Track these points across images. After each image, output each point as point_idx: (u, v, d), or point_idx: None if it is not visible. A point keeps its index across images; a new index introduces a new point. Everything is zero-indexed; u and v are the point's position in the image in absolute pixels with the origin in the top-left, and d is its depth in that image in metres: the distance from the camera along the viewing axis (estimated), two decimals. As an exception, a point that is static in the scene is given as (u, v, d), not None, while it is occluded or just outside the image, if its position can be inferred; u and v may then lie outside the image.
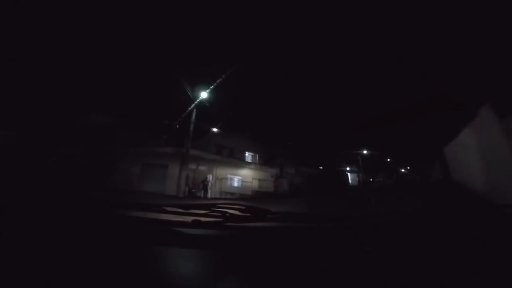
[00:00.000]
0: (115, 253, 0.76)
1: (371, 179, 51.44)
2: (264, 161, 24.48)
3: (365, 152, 47.43)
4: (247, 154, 24.10)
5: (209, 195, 17.30)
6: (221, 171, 19.66)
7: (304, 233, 0.96)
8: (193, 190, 17.44)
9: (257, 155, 24.74)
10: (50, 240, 0.81)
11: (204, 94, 17.14)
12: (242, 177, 21.12)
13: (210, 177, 18.68)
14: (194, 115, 17.16)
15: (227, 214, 1.04)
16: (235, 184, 20.96)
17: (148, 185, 17.00)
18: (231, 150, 22.16)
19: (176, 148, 17.22)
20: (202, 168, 18.91)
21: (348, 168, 47.83)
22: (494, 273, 0.66)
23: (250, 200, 15.49)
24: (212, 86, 17.05)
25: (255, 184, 21.38)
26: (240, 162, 21.53)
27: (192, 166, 17.83)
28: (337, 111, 50.54)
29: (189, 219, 0.99)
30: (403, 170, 53.67)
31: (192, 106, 17.25)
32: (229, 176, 20.39)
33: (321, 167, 34.92)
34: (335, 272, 0.68)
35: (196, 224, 0.97)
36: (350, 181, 46.70)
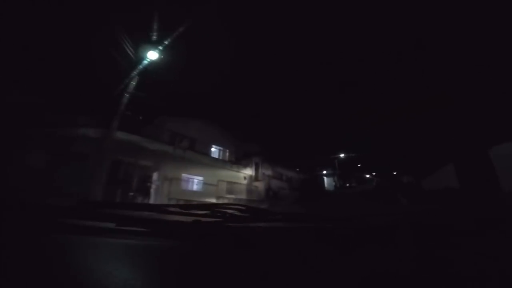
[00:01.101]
0: (115, 253, 0.75)
1: (347, 184, 49.15)
2: (236, 159, 18.95)
3: (342, 155, 44.57)
4: (214, 148, 18.40)
5: (152, 200, 12.16)
6: (173, 169, 13.75)
7: (304, 233, 0.96)
8: (131, 194, 11.79)
9: (227, 151, 19.16)
10: (50, 240, 0.81)
11: (153, 55, 11.22)
12: (205, 178, 15.40)
13: (155, 176, 12.88)
14: (133, 82, 11.17)
15: (228, 215, 1.05)
16: (194, 187, 15.17)
17: (60, 184, 10.52)
18: (192, 142, 16.35)
19: (100, 130, 11.09)
20: (146, 163, 12.98)
21: (324, 172, 44.23)
22: (493, 273, 0.67)
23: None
24: (168, 45, 11.20)
25: (223, 187, 15.78)
26: (202, 158, 15.69)
27: (130, 158, 11.93)
28: (320, 111, 46.92)
29: (189, 219, 0.98)
30: (368, 176, 52.66)
31: (134, 70, 11.26)
32: (184, 176, 14.55)
33: (298, 169, 30.21)
34: (335, 272, 0.68)
35: (196, 224, 0.96)
36: (326, 186, 43.22)
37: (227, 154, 19.08)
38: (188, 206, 1.13)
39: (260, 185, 18.17)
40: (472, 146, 11.97)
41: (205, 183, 15.26)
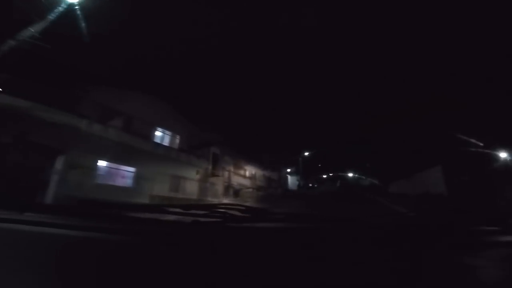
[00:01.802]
0: (115, 253, 0.75)
1: (310, 184, 47.84)
2: (189, 148, 14.79)
3: (306, 154, 42.76)
4: (159, 132, 14.07)
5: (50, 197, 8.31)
6: (87, 154, 9.29)
7: (304, 233, 0.95)
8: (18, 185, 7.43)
9: (178, 137, 14.92)
10: (50, 241, 0.81)
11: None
12: (138, 169, 11.09)
13: (60, 163, 8.64)
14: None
15: (227, 215, 1.04)
16: (120, 181, 10.79)
17: None
18: (128, 120, 11.93)
19: None
20: (47, 142, 8.54)
21: (288, 170, 41.89)
22: (493, 272, 0.68)
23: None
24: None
25: (165, 183, 11.64)
26: (135, 141, 11.32)
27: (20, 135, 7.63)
28: (290, 106, 44.35)
29: (189, 219, 0.98)
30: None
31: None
32: (104, 164, 10.11)
33: (263, 166, 26.97)
34: (335, 272, 0.67)
35: (196, 224, 0.96)
36: (289, 185, 40.99)
37: (177, 140, 14.85)
38: (188, 206, 1.14)
39: (218, 182, 14.35)
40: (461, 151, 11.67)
41: (139, 177, 10.98)
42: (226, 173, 15.79)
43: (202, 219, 0.98)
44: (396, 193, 16.46)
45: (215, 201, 12.74)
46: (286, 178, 41.30)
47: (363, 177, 44.41)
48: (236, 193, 14.66)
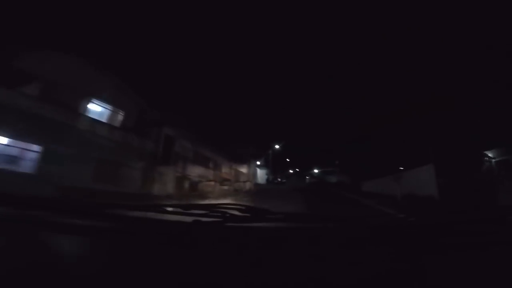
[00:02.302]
0: (115, 253, 0.74)
1: (278, 179, 46.23)
2: (135, 127, 11.47)
3: (277, 146, 40.80)
4: (94, 104, 10.53)
5: None
6: None
7: (304, 233, 0.95)
8: None
9: (121, 113, 11.49)
10: (50, 241, 0.80)
11: None
12: (47, 147, 7.72)
13: None
14: None
15: (227, 214, 1.02)
16: (16, 164, 7.37)
17: None
18: (46, 85, 8.43)
19: None
20: None
21: (258, 163, 39.60)
22: (491, 273, 0.67)
23: None
24: None
25: (88, 169, 8.35)
26: (48, 110, 7.88)
27: None
28: (261, 92, 41.61)
29: (189, 219, 0.97)
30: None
31: None
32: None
33: (229, 156, 24.11)
34: (335, 272, 0.67)
35: (196, 224, 0.95)
36: (258, 179, 38.83)
37: (120, 117, 11.44)
38: (188, 206, 1.13)
39: (169, 172, 11.28)
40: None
41: (44, 160, 7.59)
42: (182, 162, 12.71)
43: (202, 219, 0.97)
44: (379, 193, 14.91)
45: (163, 195, 9.76)
46: (256, 171, 39.00)
47: (333, 175, 43.69)
48: (193, 186, 11.77)
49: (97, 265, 0.66)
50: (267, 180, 39.25)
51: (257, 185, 27.69)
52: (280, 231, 0.98)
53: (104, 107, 10.99)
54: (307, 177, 50.08)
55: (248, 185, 20.80)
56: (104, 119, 10.65)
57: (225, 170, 19.57)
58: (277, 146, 40.52)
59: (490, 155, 10.69)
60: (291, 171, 55.16)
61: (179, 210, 1.08)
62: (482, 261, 0.71)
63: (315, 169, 52.06)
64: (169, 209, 1.11)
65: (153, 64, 13.99)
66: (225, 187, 14.65)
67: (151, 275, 0.61)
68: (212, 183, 13.09)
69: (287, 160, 54.29)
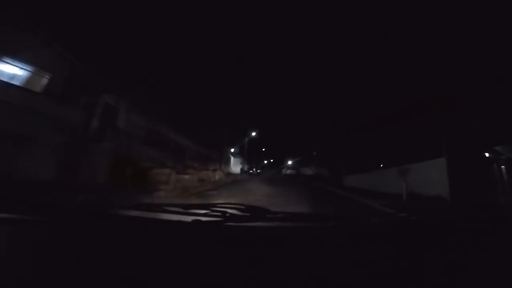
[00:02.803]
0: (115, 253, 0.73)
1: (254, 169, 44.17)
2: (64, 93, 8.30)
3: (253, 134, 38.29)
4: (8, 64, 7.18)
5: None
6: None
7: (304, 233, 0.95)
8: None
9: (48, 76, 8.19)
10: (50, 241, 0.79)
11: None
12: None
13: None
14: None
15: (227, 214, 1.03)
16: None
17: None
18: None
19: None
20: None
21: (232, 150, 37.00)
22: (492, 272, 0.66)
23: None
24: None
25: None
26: None
27: None
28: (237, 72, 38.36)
29: (189, 219, 0.98)
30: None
31: None
32: None
33: (197, 139, 21.15)
34: (335, 272, 0.67)
35: (196, 223, 0.96)
36: (232, 167, 36.34)
37: (45, 81, 8.18)
38: (188, 205, 1.14)
39: (103, 152, 8.37)
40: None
41: None
42: (127, 140, 9.78)
43: (202, 219, 0.98)
44: (365, 189, 13.23)
45: (87, 184, 6.93)
46: (229, 158, 36.29)
47: (309, 167, 42.30)
48: (140, 173, 8.99)
49: (97, 265, 0.65)
50: (242, 170, 36.88)
51: (229, 175, 25.15)
52: (280, 231, 0.98)
53: (25, 69, 7.72)
54: (282, 169, 48.56)
55: (218, 175, 18.19)
56: (21, 83, 7.44)
57: (189, 156, 16.83)
58: (253, 134, 37.96)
59: (499, 151, 9.52)
60: (265, 161, 53.35)
61: (179, 210, 1.10)
62: (483, 260, 0.71)
63: (289, 160, 50.56)
64: (169, 209, 1.11)
65: (100, 14, 10.56)
66: (186, 177, 11.96)
67: (151, 275, 0.60)
68: (168, 170, 10.34)
69: (263, 150, 52.27)
